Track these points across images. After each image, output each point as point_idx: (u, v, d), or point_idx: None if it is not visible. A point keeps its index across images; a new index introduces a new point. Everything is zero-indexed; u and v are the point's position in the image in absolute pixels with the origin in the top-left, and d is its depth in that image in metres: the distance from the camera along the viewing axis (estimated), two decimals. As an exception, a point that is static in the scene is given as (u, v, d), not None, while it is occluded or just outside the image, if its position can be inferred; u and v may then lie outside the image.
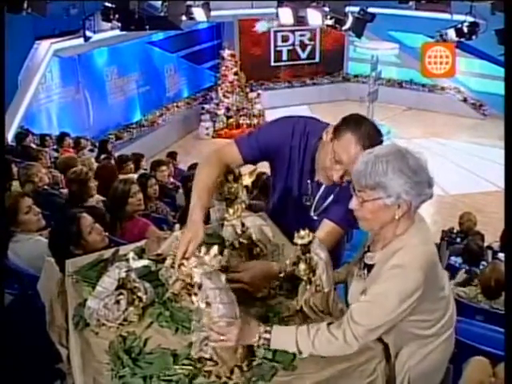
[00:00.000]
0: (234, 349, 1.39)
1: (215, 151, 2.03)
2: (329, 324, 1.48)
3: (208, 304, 1.36)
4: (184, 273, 1.59)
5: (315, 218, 2.05)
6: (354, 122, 1.80)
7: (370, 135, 1.76)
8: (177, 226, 1.93)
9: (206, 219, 2.15)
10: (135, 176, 4.80)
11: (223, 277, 1.39)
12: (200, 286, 1.38)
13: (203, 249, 1.57)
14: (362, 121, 1.81)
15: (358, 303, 1.51)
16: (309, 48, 14.32)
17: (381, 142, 1.76)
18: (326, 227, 1.92)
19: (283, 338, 1.48)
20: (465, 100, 12.96)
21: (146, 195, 3.97)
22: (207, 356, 1.41)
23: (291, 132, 2.00)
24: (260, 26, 13.25)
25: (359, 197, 1.52)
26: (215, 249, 1.54)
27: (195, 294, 1.39)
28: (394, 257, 1.49)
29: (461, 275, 4.07)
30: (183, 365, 1.43)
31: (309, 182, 2.04)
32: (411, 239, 1.52)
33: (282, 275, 1.73)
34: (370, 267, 1.62)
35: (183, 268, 1.59)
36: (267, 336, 1.47)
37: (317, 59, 14.51)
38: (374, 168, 1.46)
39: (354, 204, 1.55)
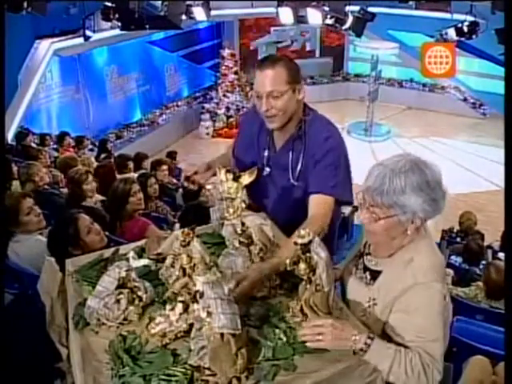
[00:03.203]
0: (234, 360, 1.35)
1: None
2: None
3: (209, 313, 1.33)
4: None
5: (295, 183, 2.04)
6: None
7: (266, 59, 1.89)
8: (177, 225, 1.93)
9: (206, 219, 2.16)
10: (135, 175, 4.80)
11: (226, 287, 1.36)
12: (202, 295, 1.35)
13: (168, 306, 1.54)
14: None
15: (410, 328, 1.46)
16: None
17: (276, 63, 1.82)
18: (314, 201, 1.90)
19: (382, 350, 1.42)
20: (465, 99, 12.96)
21: (146, 194, 3.97)
22: (205, 365, 1.38)
23: (251, 120, 2.09)
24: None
25: (372, 212, 1.47)
26: (180, 307, 1.50)
27: (197, 302, 1.37)
28: (407, 271, 1.48)
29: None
30: (184, 363, 1.42)
31: (266, 153, 2.08)
32: (421, 250, 1.51)
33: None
34: (373, 272, 1.61)
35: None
36: (369, 342, 1.41)
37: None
38: (392, 185, 1.40)
39: (365, 219, 1.50)
